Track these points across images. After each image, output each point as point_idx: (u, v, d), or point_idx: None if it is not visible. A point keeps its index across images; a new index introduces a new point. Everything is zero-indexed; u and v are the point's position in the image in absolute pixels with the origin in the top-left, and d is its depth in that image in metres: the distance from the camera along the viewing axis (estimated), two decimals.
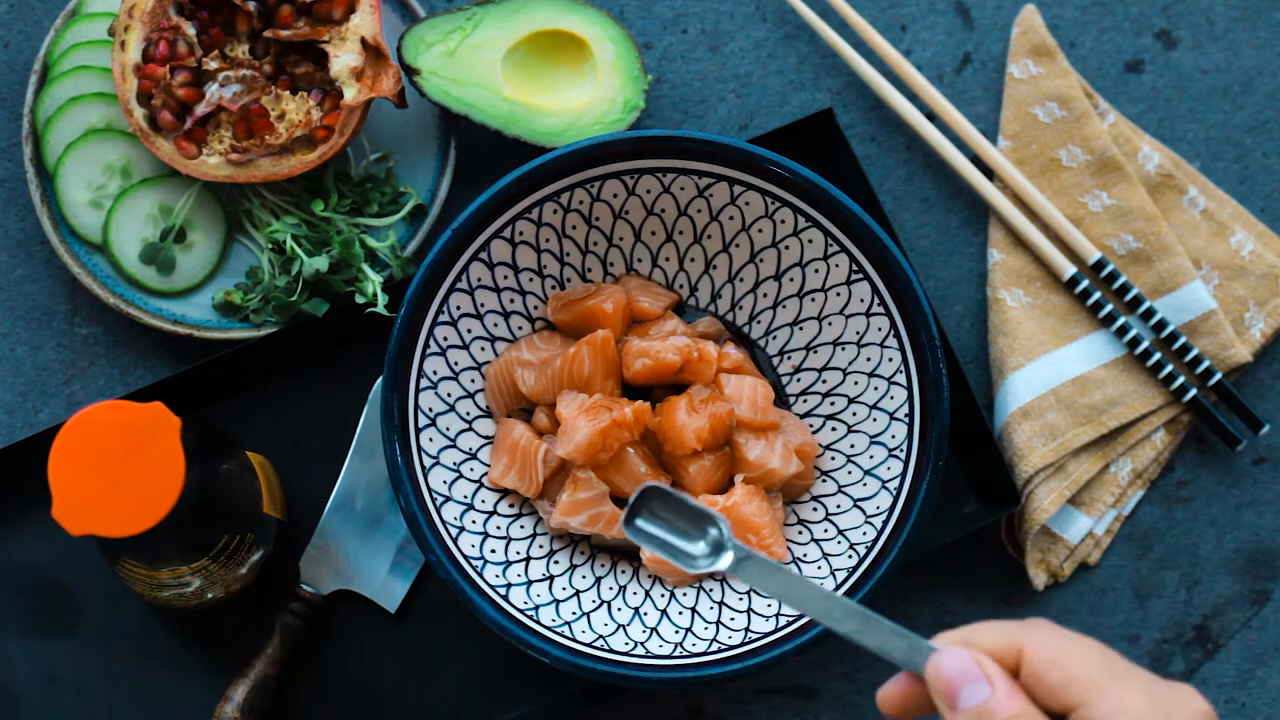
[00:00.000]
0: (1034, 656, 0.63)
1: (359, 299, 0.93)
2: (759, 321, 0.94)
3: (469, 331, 0.91)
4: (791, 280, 0.92)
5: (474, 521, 0.88)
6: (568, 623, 0.86)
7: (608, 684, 0.84)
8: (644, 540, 0.70)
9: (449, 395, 0.90)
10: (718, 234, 0.93)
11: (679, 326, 0.92)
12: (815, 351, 0.93)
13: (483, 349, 0.92)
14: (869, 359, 0.90)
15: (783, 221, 0.90)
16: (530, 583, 0.88)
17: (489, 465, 0.91)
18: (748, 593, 0.89)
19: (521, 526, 0.91)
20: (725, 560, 0.67)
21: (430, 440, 0.88)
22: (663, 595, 0.90)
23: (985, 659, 0.64)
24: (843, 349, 0.92)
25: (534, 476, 0.89)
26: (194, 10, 0.92)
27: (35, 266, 0.98)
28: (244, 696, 0.89)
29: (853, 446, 0.91)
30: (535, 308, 0.94)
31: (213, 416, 0.95)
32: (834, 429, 0.92)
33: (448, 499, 0.88)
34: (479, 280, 0.90)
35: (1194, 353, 0.96)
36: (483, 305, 0.91)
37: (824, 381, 0.93)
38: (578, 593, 0.89)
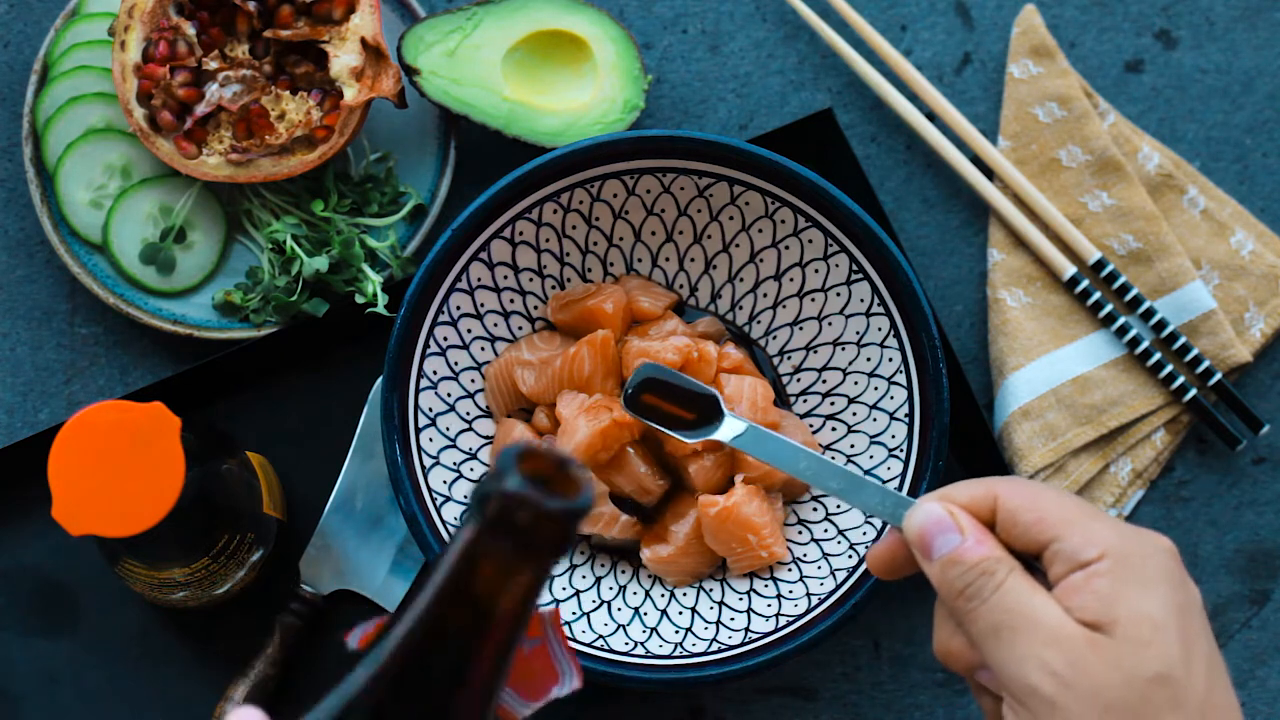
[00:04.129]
0: (1009, 501, 0.65)
1: (359, 299, 0.93)
2: (759, 321, 0.94)
3: (469, 331, 0.91)
4: (791, 280, 0.92)
5: None
6: (567, 623, 0.86)
7: (608, 684, 0.84)
8: (645, 417, 0.83)
9: (449, 395, 0.90)
10: (718, 234, 0.93)
11: (679, 326, 0.92)
12: (815, 351, 0.93)
13: (483, 349, 0.92)
14: (869, 359, 0.90)
15: (783, 221, 0.90)
16: None
17: (489, 465, 0.91)
18: (748, 592, 0.89)
19: None
20: (722, 430, 0.75)
21: (430, 440, 0.88)
22: (663, 595, 0.90)
23: (957, 510, 0.66)
24: (843, 349, 0.92)
25: None
26: (194, 10, 0.92)
27: (35, 266, 0.98)
28: (244, 696, 0.89)
29: (853, 446, 0.91)
30: (535, 308, 0.94)
31: (213, 416, 0.95)
32: (834, 429, 0.92)
33: (448, 499, 0.88)
34: (479, 280, 0.90)
35: (1194, 353, 0.96)
36: (483, 305, 0.91)
37: (824, 381, 0.93)
38: (577, 593, 0.89)
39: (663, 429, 0.83)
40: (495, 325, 0.92)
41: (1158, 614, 0.62)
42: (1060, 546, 0.64)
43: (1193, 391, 0.96)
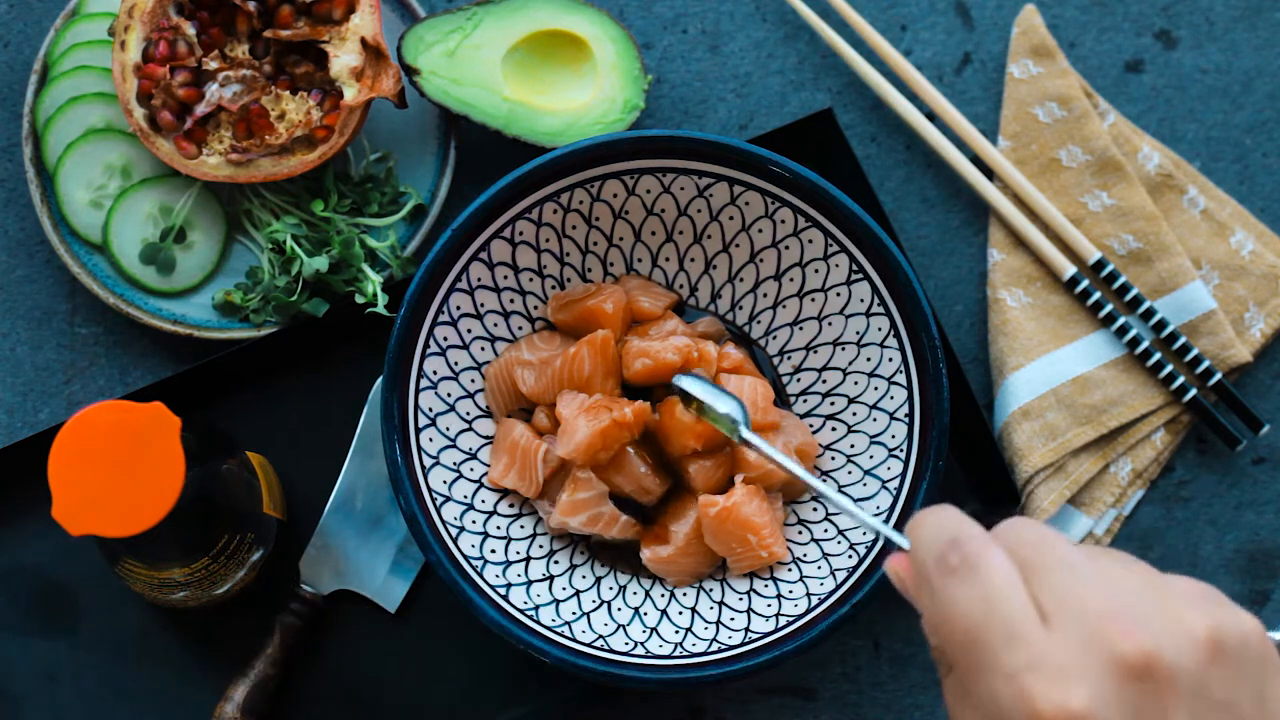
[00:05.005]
0: (924, 615, 0.57)
1: (359, 299, 0.93)
2: (759, 321, 0.94)
3: (469, 331, 0.91)
4: (791, 280, 0.92)
5: (474, 521, 0.88)
6: (568, 623, 0.86)
7: (608, 684, 0.84)
8: (714, 422, 0.85)
9: (449, 395, 0.90)
10: (718, 234, 0.93)
11: (679, 326, 0.92)
12: (815, 351, 0.93)
13: (483, 349, 0.92)
14: (869, 359, 0.90)
15: (783, 221, 0.90)
16: (530, 583, 0.88)
17: (489, 465, 0.91)
18: (748, 593, 0.89)
19: (521, 526, 0.91)
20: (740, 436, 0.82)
21: (430, 440, 0.88)
22: (663, 595, 0.90)
23: (908, 584, 0.59)
24: (843, 349, 0.92)
25: (534, 476, 0.89)
26: (194, 10, 0.92)
27: (35, 266, 0.98)
28: (244, 696, 0.89)
29: (853, 446, 0.91)
30: (535, 308, 0.94)
31: (213, 416, 0.95)
32: (834, 429, 0.92)
33: (448, 499, 0.88)
34: (479, 280, 0.90)
35: (1194, 353, 0.96)
36: (483, 305, 0.91)
37: (824, 381, 0.93)
38: (578, 593, 0.89)
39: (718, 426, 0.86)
40: (495, 325, 0.92)
41: None
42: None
43: (1193, 391, 0.96)
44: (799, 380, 0.94)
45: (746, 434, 0.82)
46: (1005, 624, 0.52)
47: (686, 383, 0.86)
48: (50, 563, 0.94)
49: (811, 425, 0.93)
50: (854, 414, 0.91)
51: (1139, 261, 0.98)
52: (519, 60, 0.96)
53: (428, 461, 0.87)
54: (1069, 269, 0.97)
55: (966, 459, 0.97)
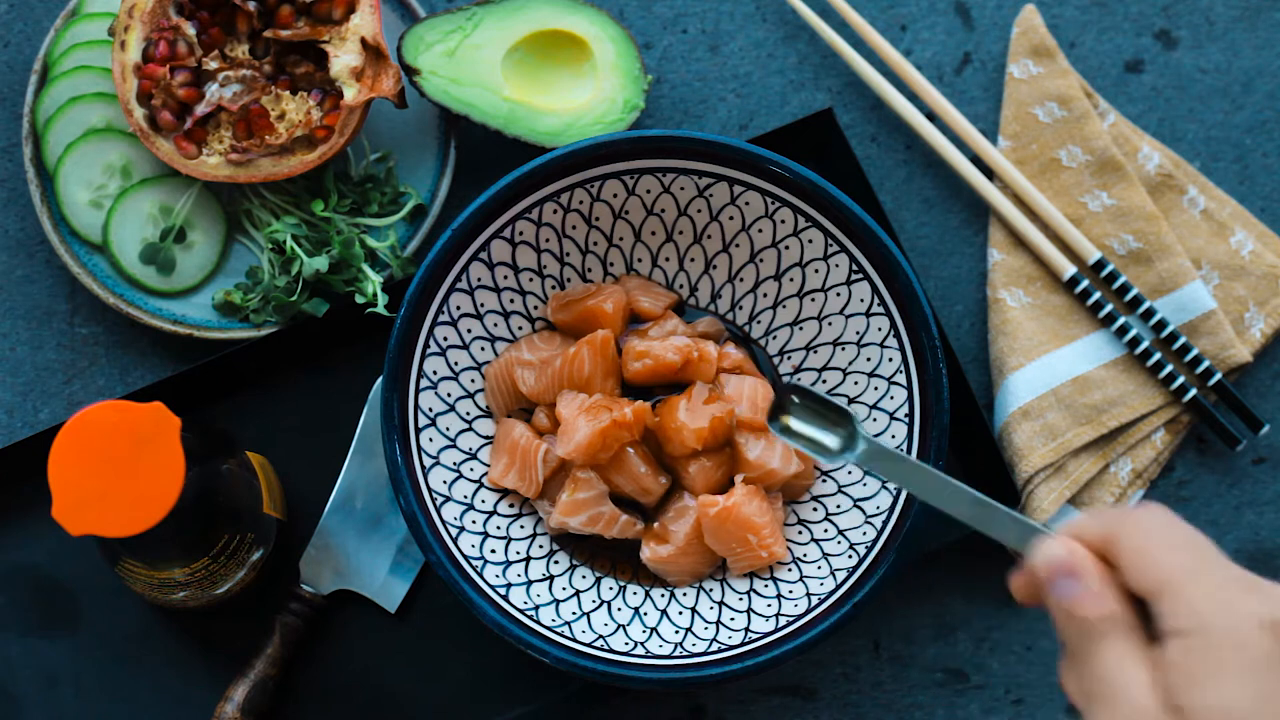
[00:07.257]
0: (1126, 543, 0.61)
1: (359, 299, 0.93)
2: (759, 321, 0.94)
3: (469, 331, 0.91)
4: (791, 280, 0.92)
5: (474, 521, 0.88)
6: (568, 623, 0.86)
7: (608, 684, 0.84)
8: (789, 438, 0.76)
9: (449, 395, 0.90)
10: (718, 234, 0.93)
11: (679, 326, 0.92)
12: (815, 351, 0.93)
13: (483, 349, 0.92)
14: (869, 359, 0.90)
15: (783, 221, 0.90)
16: (530, 583, 0.88)
17: (489, 465, 0.91)
18: (748, 593, 0.89)
19: (521, 526, 0.91)
20: (858, 452, 0.73)
21: (430, 440, 0.88)
22: (663, 595, 0.90)
23: (1080, 553, 0.63)
24: (843, 349, 0.92)
25: (534, 476, 0.89)
26: (194, 10, 0.92)
27: (35, 266, 0.98)
28: (244, 696, 0.89)
29: None
30: (535, 308, 0.94)
31: (213, 416, 0.95)
32: None
33: (448, 499, 0.88)
34: (479, 280, 0.90)
35: (1194, 353, 0.96)
36: (483, 305, 0.91)
37: (824, 381, 0.93)
38: (578, 592, 0.89)
39: (807, 450, 0.78)
40: (495, 325, 0.92)
41: (1233, 705, 0.57)
42: (1159, 609, 0.60)
43: (1193, 391, 0.96)
44: (799, 380, 0.94)
45: (865, 439, 0.76)
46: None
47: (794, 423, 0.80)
48: (50, 563, 0.94)
49: None
50: None
51: (1139, 261, 0.98)
52: (519, 60, 0.96)
53: (428, 461, 0.88)
54: (1069, 269, 0.97)
55: (966, 459, 0.97)
